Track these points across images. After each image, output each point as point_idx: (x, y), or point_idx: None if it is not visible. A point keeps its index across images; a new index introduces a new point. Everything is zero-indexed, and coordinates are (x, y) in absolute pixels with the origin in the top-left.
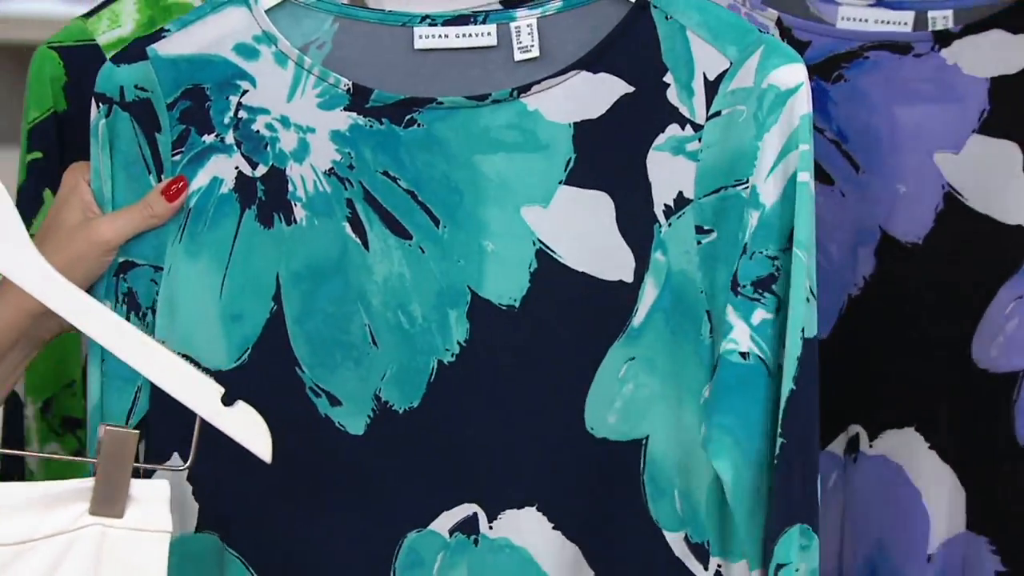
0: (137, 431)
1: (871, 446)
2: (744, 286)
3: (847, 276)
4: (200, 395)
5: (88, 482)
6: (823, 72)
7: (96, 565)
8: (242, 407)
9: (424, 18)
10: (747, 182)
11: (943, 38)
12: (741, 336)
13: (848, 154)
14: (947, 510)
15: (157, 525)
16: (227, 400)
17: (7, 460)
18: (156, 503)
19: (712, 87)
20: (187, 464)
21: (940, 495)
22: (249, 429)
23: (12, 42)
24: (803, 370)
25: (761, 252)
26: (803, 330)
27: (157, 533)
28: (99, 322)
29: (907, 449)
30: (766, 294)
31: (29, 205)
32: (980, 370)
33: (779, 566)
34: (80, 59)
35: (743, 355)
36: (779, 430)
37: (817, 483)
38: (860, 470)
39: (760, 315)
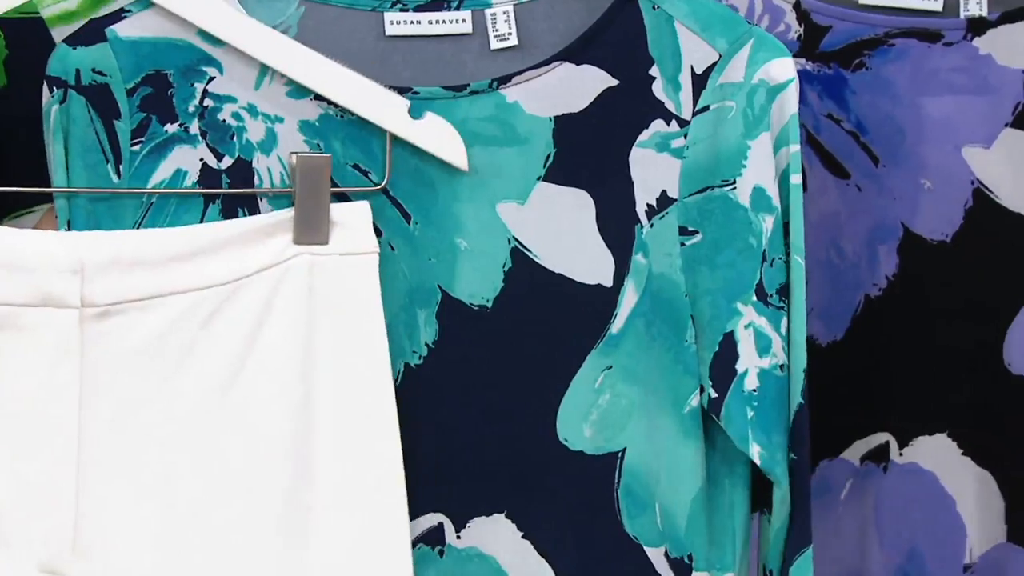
0: (330, 155)
1: (901, 454)
2: (772, 295)
3: (863, 275)
4: (388, 109)
5: (288, 213)
6: (843, 59)
7: (310, 293)
8: (431, 117)
9: (395, 3)
10: (734, 182)
11: (977, 26)
12: (778, 349)
13: (866, 146)
14: (984, 519)
15: (364, 247)
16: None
17: None
18: (359, 226)
19: (700, 81)
20: (383, 183)
21: (976, 504)
22: (441, 138)
23: None
24: (808, 382)
25: (779, 258)
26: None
27: (365, 255)
28: (272, 43)
29: (940, 456)
30: (786, 301)
31: None
32: (1014, 374)
33: None
34: (23, 32)
35: (781, 367)
36: (788, 444)
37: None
38: (891, 479)
39: (785, 324)
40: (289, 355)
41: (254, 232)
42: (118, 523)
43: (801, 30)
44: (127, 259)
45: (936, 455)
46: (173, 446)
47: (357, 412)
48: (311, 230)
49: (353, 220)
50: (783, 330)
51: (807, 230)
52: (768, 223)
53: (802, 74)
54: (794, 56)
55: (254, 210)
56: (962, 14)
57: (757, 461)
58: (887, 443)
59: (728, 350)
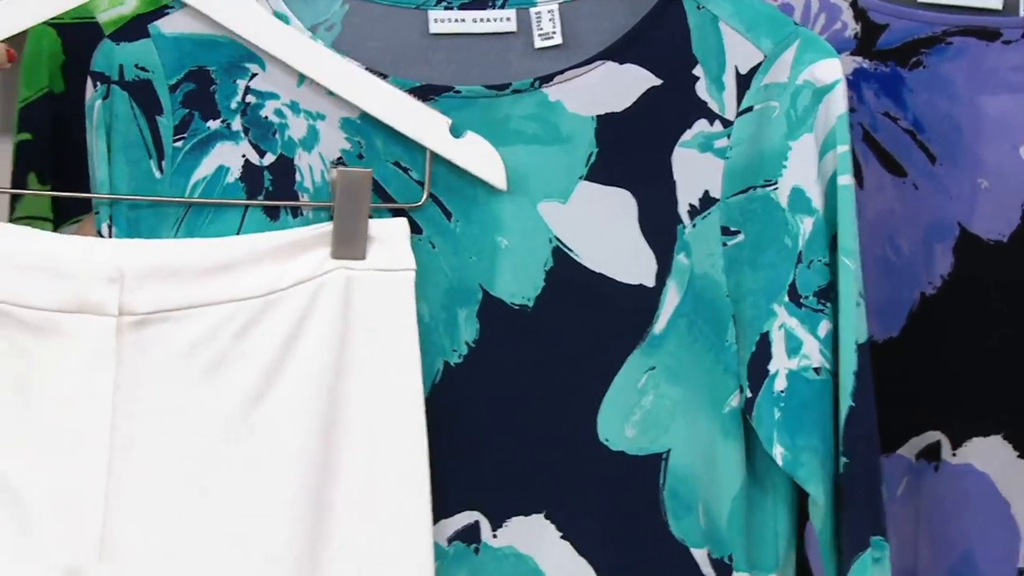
0: (370, 170)
1: (954, 454)
2: (807, 297)
3: (919, 273)
4: (429, 128)
5: (327, 227)
6: (900, 57)
7: (345, 308)
8: (472, 137)
9: (439, 1)
10: (775, 183)
11: None
12: (812, 351)
13: (924, 145)
14: None
15: (401, 264)
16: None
17: None
18: (397, 242)
19: (744, 81)
20: (421, 201)
21: None
22: (481, 158)
23: None
24: (860, 383)
25: (819, 260)
26: (856, 341)
27: (402, 272)
28: (314, 56)
29: (995, 458)
30: (828, 304)
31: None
32: None
33: None
34: (79, 37)
35: (816, 370)
36: (840, 448)
37: (883, 494)
38: (942, 479)
39: (825, 327)
40: (321, 369)
41: (292, 245)
42: (145, 528)
43: (858, 28)
44: (166, 269)
45: (991, 457)
46: (202, 455)
47: (387, 429)
48: (349, 245)
49: (391, 236)
50: (821, 333)
51: (863, 228)
52: (807, 224)
53: (859, 72)
54: (851, 54)
55: (296, 211)
56: (1021, 12)
57: (779, 462)
58: (939, 442)
59: (763, 350)
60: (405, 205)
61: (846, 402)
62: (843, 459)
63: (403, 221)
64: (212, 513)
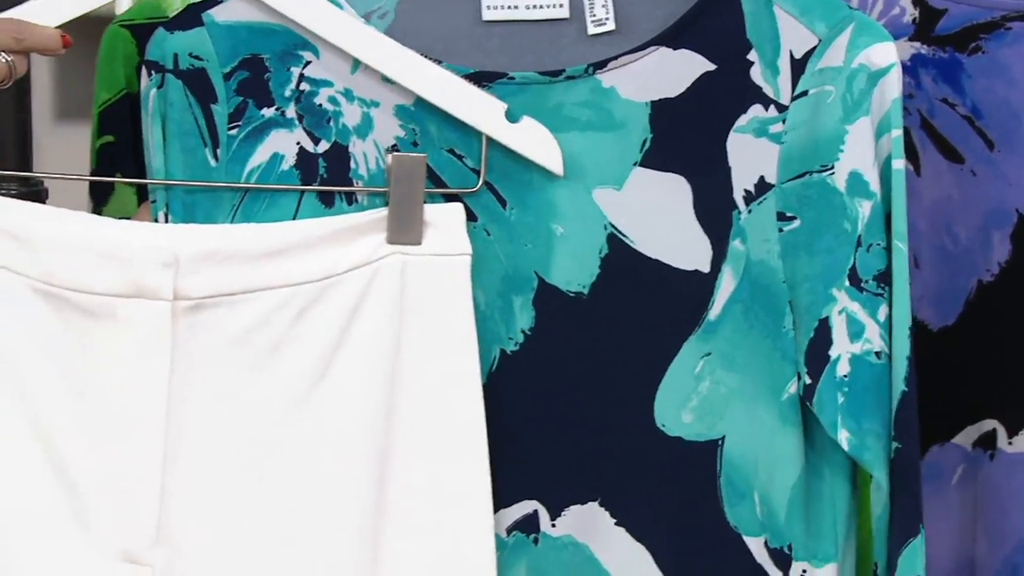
0: (425, 155)
1: (1010, 443)
2: (867, 281)
3: (976, 260)
4: (484, 113)
5: (382, 212)
6: (959, 43)
7: (401, 293)
8: (528, 122)
9: None
10: (832, 167)
11: None
12: (873, 335)
13: (982, 131)
14: None
15: (457, 248)
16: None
17: None
18: (453, 227)
19: (799, 65)
20: (477, 186)
21: None
22: (538, 143)
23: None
24: (911, 369)
25: (878, 244)
26: (908, 325)
27: (458, 257)
28: (370, 42)
29: None
30: (886, 288)
31: (100, 191)
32: None
33: None
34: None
35: (877, 355)
36: (892, 433)
37: (921, 482)
38: (998, 467)
39: (884, 311)
40: (378, 354)
41: (347, 230)
42: (201, 513)
43: (916, 13)
44: (221, 254)
45: None
46: (258, 440)
47: (445, 415)
48: (405, 230)
49: (447, 221)
50: (880, 317)
51: (919, 214)
52: (865, 208)
53: (917, 58)
54: (908, 40)
55: (351, 197)
56: None
57: (845, 447)
58: (994, 431)
59: (823, 336)
60: (460, 191)
61: (899, 387)
62: (895, 444)
63: (459, 206)
64: (268, 498)
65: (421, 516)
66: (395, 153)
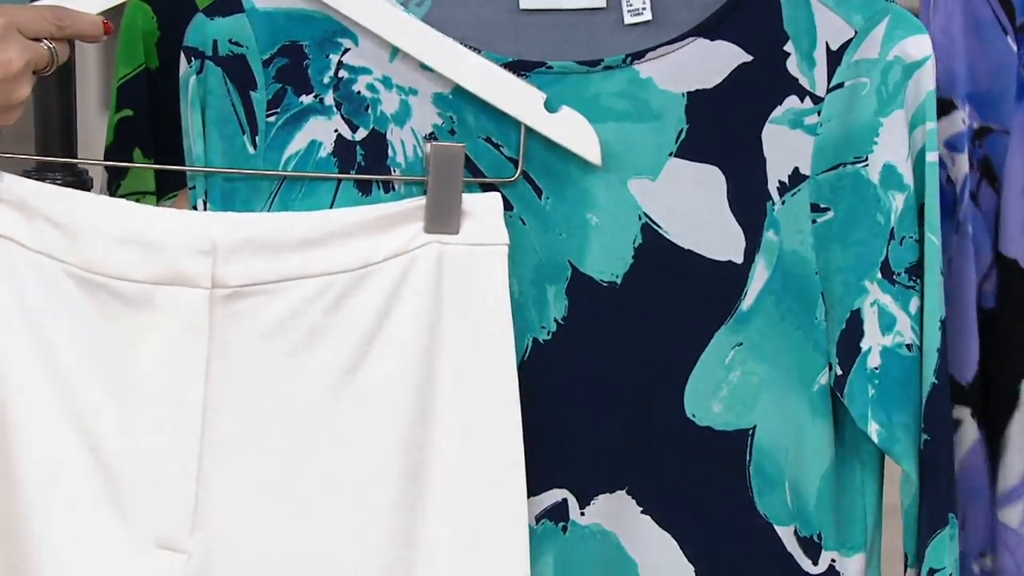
0: (464, 144)
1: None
2: (899, 274)
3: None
4: (523, 102)
5: (419, 201)
6: None
7: (438, 282)
8: (567, 112)
9: None
10: (866, 159)
11: None
12: (905, 327)
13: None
14: None
15: (494, 238)
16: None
17: None
18: (490, 216)
19: (835, 57)
20: (515, 176)
21: None
22: (576, 133)
23: None
24: (942, 361)
25: (910, 237)
26: (939, 317)
27: (495, 246)
28: (408, 29)
29: None
30: (918, 280)
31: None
32: None
33: (932, 571)
34: (173, 13)
35: (908, 347)
36: (922, 424)
37: (954, 472)
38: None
39: (915, 303)
40: (415, 343)
41: (385, 219)
42: (236, 501)
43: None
44: (258, 242)
45: None
46: (294, 429)
47: (481, 403)
48: (442, 219)
49: (484, 210)
50: (912, 309)
51: None
52: (898, 201)
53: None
54: None
55: (388, 186)
56: None
57: (875, 439)
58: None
59: (854, 328)
60: (497, 180)
61: (929, 379)
62: (924, 436)
63: (497, 196)
64: (303, 487)
65: (456, 505)
66: (434, 142)
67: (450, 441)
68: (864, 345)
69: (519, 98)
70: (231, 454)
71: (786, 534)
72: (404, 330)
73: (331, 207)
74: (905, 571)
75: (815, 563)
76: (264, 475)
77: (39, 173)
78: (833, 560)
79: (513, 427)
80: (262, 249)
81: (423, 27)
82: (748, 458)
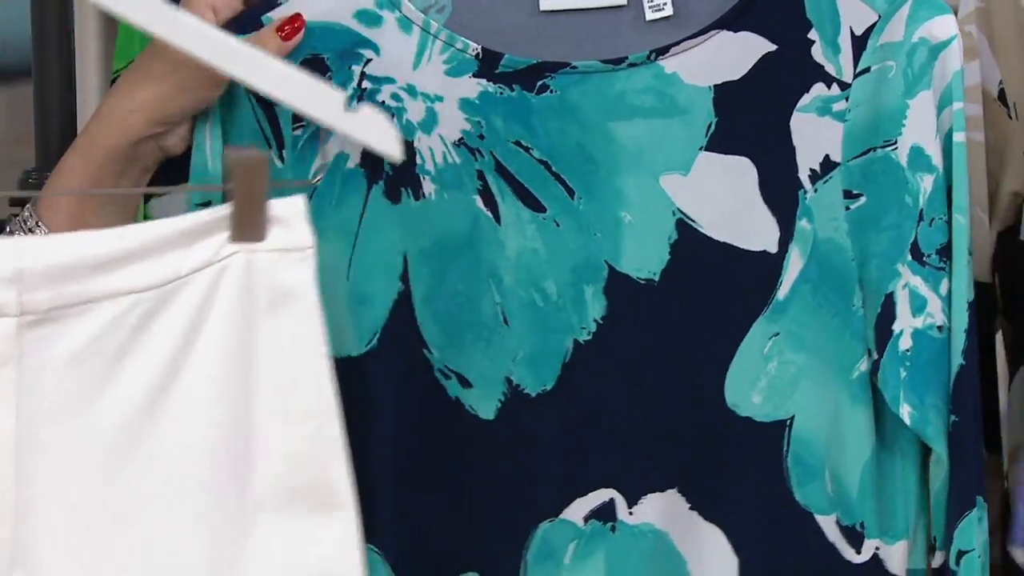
0: (267, 153)
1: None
2: (929, 255)
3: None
4: (321, 103)
5: (224, 210)
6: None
7: (247, 291)
8: (366, 109)
9: None
10: (895, 142)
11: None
12: (935, 309)
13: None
14: None
15: (300, 243)
16: (349, 105)
17: None
18: (295, 221)
19: (860, 42)
20: (316, 179)
21: None
22: (374, 129)
23: None
24: (970, 341)
25: (940, 218)
26: (967, 299)
27: (302, 251)
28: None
29: None
30: (947, 261)
31: None
32: None
33: (961, 552)
34: None
35: (939, 328)
36: (950, 406)
37: (983, 454)
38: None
39: (945, 285)
40: (227, 355)
41: (190, 231)
42: (58, 532)
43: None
44: (64, 264)
45: None
46: (110, 451)
47: (298, 408)
48: (247, 227)
49: (289, 215)
50: (942, 291)
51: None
52: (927, 182)
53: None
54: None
55: (417, 190)
56: None
57: (907, 422)
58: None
59: (888, 311)
60: (304, 183)
61: (957, 360)
62: (952, 417)
63: (300, 198)
64: (125, 508)
65: (281, 512)
66: (232, 150)
67: (269, 447)
68: (896, 328)
69: (318, 99)
70: (48, 485)
71: (827, 523)
72: (216, 343)
73: (362, 217)
74: (933, 553)
75: (858, 552)
76: (83, 503)
77: (39, 173)
78: (877, 548)
79: (333, 433)
80: (69, 271)
81: (215, 33)
82: (786, 449)
